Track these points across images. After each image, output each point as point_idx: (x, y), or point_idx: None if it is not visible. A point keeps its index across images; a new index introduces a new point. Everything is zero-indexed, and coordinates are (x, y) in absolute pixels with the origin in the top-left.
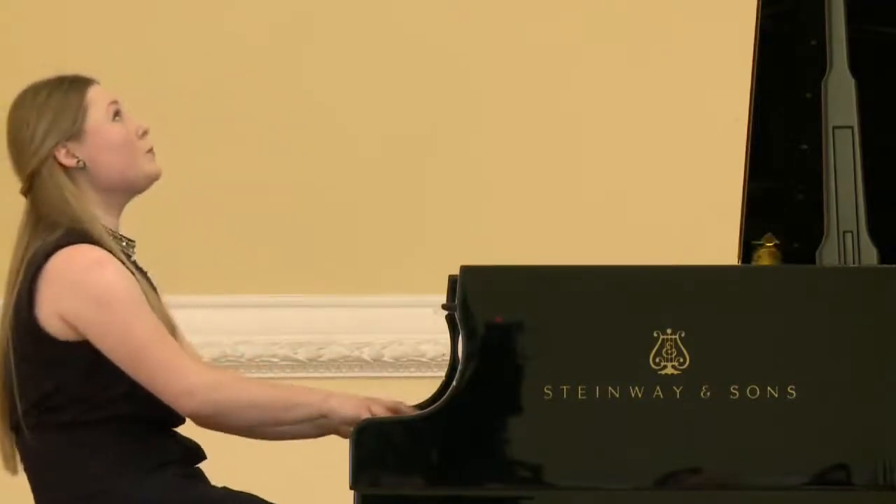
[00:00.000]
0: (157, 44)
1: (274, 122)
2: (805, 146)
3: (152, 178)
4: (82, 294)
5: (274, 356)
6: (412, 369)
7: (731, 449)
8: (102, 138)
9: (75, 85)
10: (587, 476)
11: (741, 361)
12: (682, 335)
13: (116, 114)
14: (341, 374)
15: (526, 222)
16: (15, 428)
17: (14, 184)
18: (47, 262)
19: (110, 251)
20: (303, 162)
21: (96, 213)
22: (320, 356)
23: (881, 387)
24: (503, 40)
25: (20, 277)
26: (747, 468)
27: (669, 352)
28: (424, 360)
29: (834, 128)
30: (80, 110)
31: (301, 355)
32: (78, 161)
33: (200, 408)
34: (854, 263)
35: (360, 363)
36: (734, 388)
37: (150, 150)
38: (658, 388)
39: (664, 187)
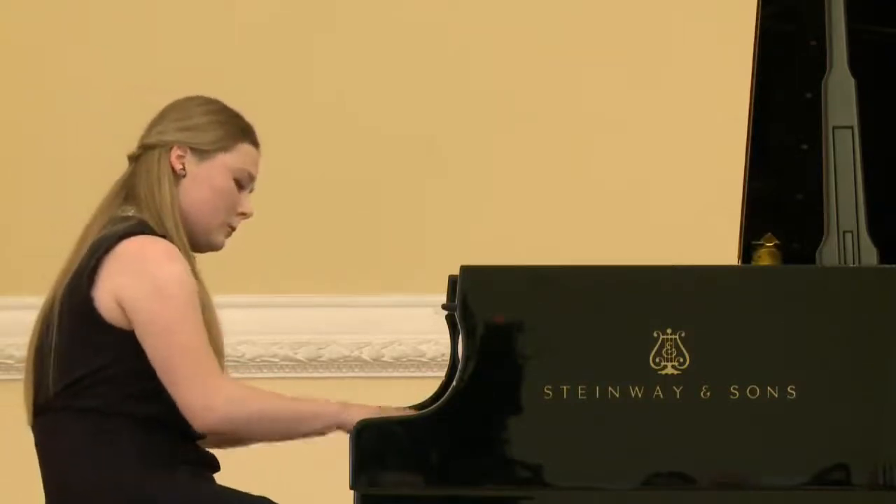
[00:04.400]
0: (158, 43)
1: (274, 122)
2: (805, 146)
3: (211, 246)
4: (145, 279)
5: (274, 356)
6: (412, 369)
7: (731, 449)
8: (215, 177)
9: (243, 129)
10: (587, 476)
11: (741, 361)
12: (682, 335)
13: (244, 184)
14: (341, 374)
15: (526, 222)
16: (38, 410)
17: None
18: (118, 245)
19: (180, 250)
20: (303, 162)
21: (177, 210)
22: (320, 356)
23: (881, 387)
24: (503, 42)
25: (84, 255)
26: (747, 468)
27: (669, 352)
28: (424, 360)
29: (834, 128)
30: (225, 143)
31: (301, 355)
32: (182, 170)
33: (218, 424)
34: (854, 263)
35: (360, 363)
36: (734, 388)
37: (232, 229)
38: (658, 388)
39: (664, 187)
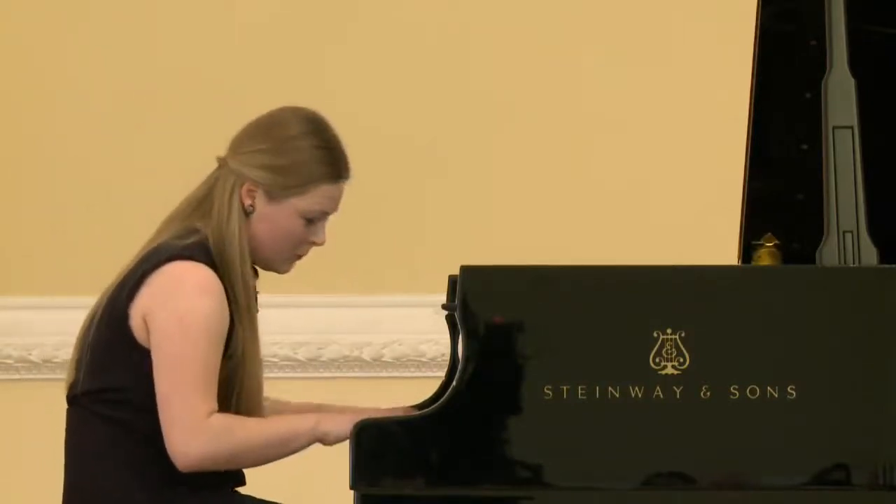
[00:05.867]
0: (158, 43)
1: None
2: (805, 146)
3: (275, 272)
4: (171, 307)
5: (274, 356)
6: (412, 369)
7: (731, 449)
8: (282, 221)
9: (329, 168)
10: (587, 476)
11: (741, 361)
12: (682, 335)
13: (315, 219)
14: (341, 374)
15: (526, 222)
16: (72, 400)
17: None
18: (165, 265)
19: (230, 279)
20: None
21: (242, 240)
22: (320, 356)
23: (881, 387)
24: (504, 42)
25: (138, 260)
26: (747, 468)
27: (669, 352)
28: (424, 360)
29: (834, 128)
30: (299, 188)
31: (301, 355)
32: (251, 206)
33: (195, 466)
34: (854, 263)
35: (360, 363)
36: (734, 388)
37: (300, 257)
38: (658, 388)
39: (664, 187)
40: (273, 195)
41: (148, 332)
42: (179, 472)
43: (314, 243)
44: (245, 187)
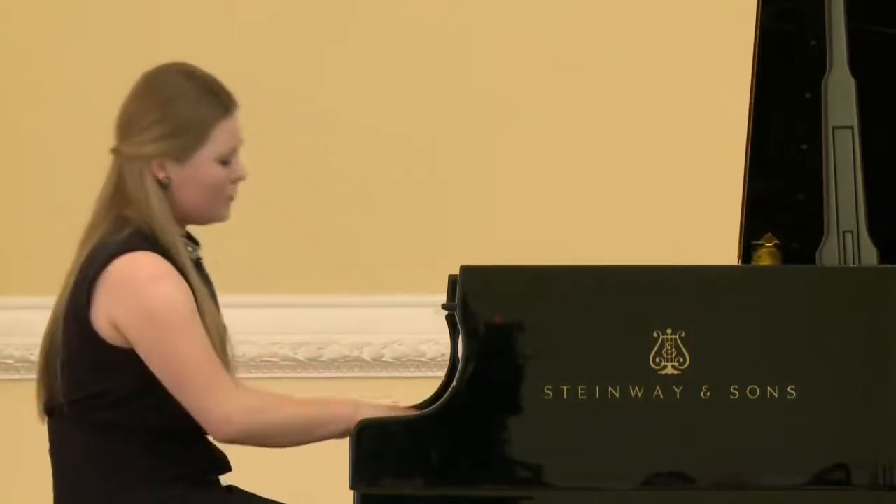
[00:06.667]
0: (158, 44)
1: (274, 123)
2: (805, 146)
3: (219, 221)
4: (136, 305)
5: (274, 356)
6: (412, 369)
7: (731, 449)
8: (200, 173)
9: (217, 107)
10: (587, 476)
11: (741, 361)
12: (682, 335)
13: (230, 159)
14: (341, 374)
15: (526, 222)
16: (51, 412)
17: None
18: (109, 265)
19: (174, 259)
20: (303, 162)
21: (170, 218)
22: (320, 356)
23: (881, 387)
24: (504, 42)
25: (82, 265)
26: (747, 468)
27: (669, 352)
28: (424, 360)
29: (834, 128)
30: (200, 139)
31: (301, 355)
32: (165, 178)
33: (237, 435)
34: (854, 263)
35: (360, 363)
36: (734, 388)
37: (232, 198)
38: (658, 388)
39: (664, 187)
40: (181, 158)
41: (119, 334)
42: (167, 468)
43: (239, 179)
44: (153, 165)
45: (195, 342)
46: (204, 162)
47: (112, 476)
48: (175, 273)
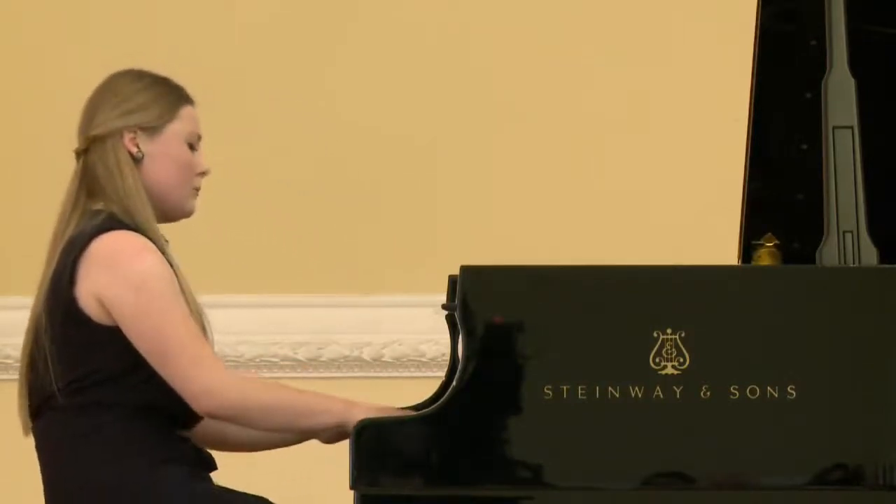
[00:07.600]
0: (158, 43)
1: (274, 123)
2: (805, 146)
3: (185, 214)
4: (122, 278)
5: (274, 356)
6: (412, 369)
7: (731, 449)
8: (171, 148)
9: (178, 93)
10: (587, 476)
11: (741, 361)
12: (682, 335)
13: (195, 146)
14: (341, 374)
15: (526, 222)
16: (35, 413)
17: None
18: (90, 244)
19: (153, 240)
20: (303, 162)
21: (144, 197)
22: (320, 356)
23: (881, 387)
24: (504, 42)
25: (59, 256)
26: (747, 468)
27: (669, 352)
28: (424, 360)
29: (834, 128)
30: (169, 114)
31: (301, 355)
32: (138, 152)
33: (220, 408)
34: (854, 263)
35: (360, 363)
36: (734, 388)
37: (197, 191)
38: (658, 388)
39: (664, 187)
40: (152, 130)
41: (104, 310)
42: (159, 447)
43: (204, 173)
44: (125, 138)
45: (180, 315)
46: (174, 138)
47: (99, 459)
48: (155, 249)
